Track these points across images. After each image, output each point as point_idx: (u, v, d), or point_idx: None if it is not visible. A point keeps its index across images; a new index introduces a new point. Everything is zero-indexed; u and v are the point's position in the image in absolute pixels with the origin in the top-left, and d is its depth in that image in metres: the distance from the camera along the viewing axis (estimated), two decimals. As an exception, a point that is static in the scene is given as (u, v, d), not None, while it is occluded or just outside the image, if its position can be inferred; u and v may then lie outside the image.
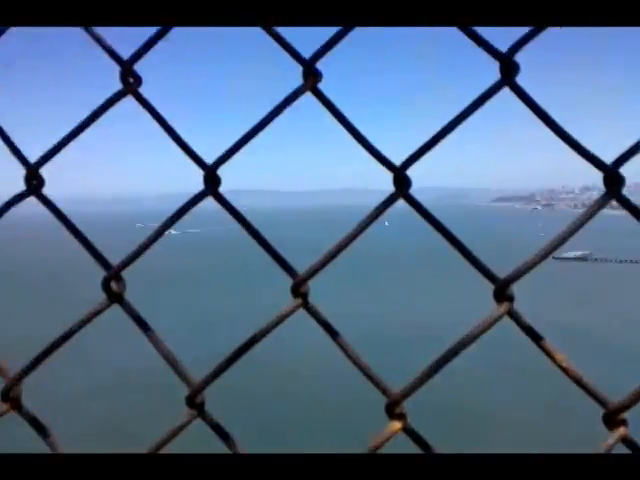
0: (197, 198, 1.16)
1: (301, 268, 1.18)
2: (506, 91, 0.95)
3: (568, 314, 75.20)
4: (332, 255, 1.10)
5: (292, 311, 1.09)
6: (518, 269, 1.04)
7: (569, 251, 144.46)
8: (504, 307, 1.04)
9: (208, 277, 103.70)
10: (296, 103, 1.08)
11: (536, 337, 1.00)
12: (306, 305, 1.11)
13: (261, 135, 1.11)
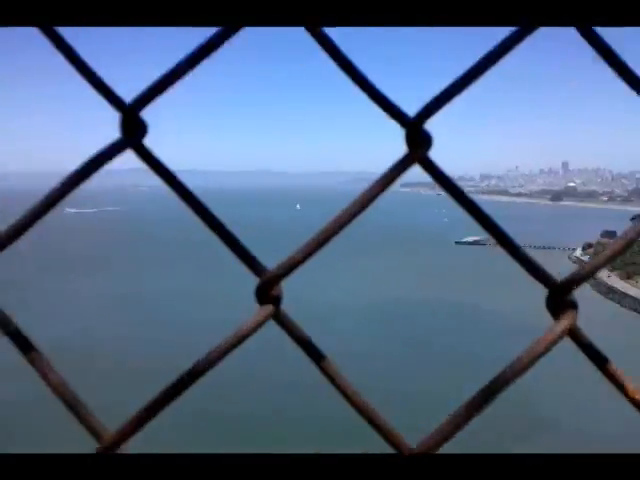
0: (113, 150, 0.81)
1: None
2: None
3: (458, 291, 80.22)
4: (318, 243, 0.82)
5: (259, 324, 0.80)
6: (581, 270, 0.78)
7: (468, 236, 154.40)
8: (567, 320, 0.76)
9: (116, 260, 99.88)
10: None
11: (600, 359, 0.78)
12: (278, 314, 0.82)
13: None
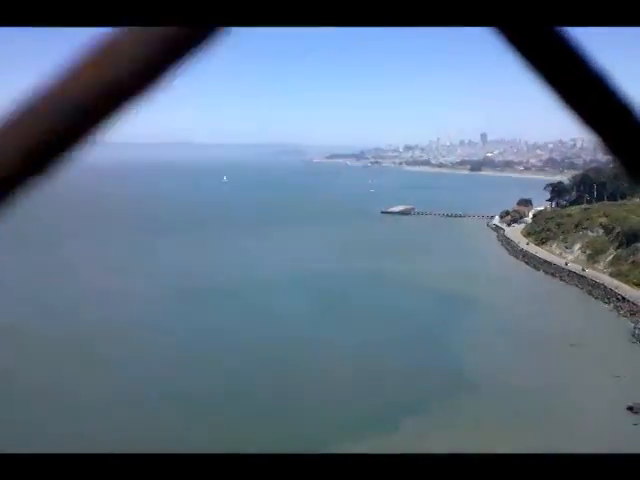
0: None
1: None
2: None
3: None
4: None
5: None
6: None
7: (394, 205, 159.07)
8: None
9: None
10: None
11: None
12: None
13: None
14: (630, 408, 36.67)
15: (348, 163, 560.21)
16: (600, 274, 73.52)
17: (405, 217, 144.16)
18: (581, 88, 0.82)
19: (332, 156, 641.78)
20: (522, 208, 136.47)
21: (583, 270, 76.14)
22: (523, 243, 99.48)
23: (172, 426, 34.34)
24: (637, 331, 52.73)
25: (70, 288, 68.49)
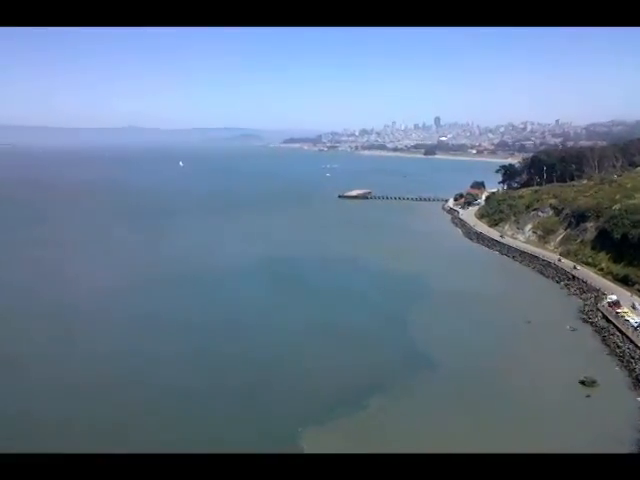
0: None
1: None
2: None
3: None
4: None
5: None
6: None
7: (351, 190, 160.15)
8: None
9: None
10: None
11: None
12: None
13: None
14: (582, 382, 38.16)
15: (305, 148, 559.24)
16: (554, 256, 75.54)
17: (362, 201, 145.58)
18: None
19: (288, 141, 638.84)
20: (475, 191, 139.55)
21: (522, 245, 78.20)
22: (478, 225, 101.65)
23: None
24: (586, 308, 54.66)
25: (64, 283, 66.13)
